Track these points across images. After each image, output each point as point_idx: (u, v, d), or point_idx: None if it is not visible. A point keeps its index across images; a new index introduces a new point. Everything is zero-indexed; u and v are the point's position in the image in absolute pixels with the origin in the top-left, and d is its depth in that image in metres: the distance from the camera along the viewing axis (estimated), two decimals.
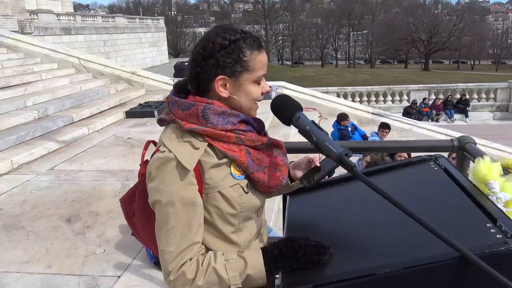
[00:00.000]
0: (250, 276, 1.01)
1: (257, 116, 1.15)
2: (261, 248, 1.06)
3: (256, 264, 1.02)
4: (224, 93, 1.06)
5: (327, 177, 1.18)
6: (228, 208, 1.06)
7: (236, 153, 1.05)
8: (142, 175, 1.17)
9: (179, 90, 1.11)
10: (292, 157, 1.32)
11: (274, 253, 1.03)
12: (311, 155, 1.27)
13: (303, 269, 1.00)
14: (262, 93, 1.12)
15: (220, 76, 1.04)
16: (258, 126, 1.15)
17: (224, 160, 1.06)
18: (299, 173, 1.26)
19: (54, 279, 2.68)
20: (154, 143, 1.17)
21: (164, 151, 1.02)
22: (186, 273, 0.98)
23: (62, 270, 2.78)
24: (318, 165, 1.17)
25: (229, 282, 0.99)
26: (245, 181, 1.09)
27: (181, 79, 1.14)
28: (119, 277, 2.70)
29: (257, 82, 1.09)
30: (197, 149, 1.03)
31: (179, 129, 1.05)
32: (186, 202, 1.00)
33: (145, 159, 1.16)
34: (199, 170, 1.03)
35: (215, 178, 1.04)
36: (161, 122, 1.11)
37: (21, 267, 2.81)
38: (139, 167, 1.20)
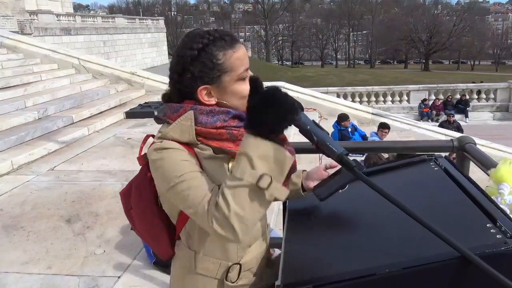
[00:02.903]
0: (262, 157, 0.88)
1: None
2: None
3: (248, 142, 0.89)
4: (211, 101, 1.04)
5: (340, 190, 1.17)
6: None
7: (232, 148, 1.03)
8: (141, 169, 1.17)
9: (168, 101, 1.09)
10: None
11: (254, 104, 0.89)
12: (327, 164, 1.25)
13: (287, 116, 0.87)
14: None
15: (201, 87, 1.02)
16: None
17: (221, 155, 1.04)
18: (312, 184, 1.24)
19: (54, 279, 2.68)
20: (153, 137, 1.17)
21: (159, 137, 1.03)
22: (219, 202, 0.90)
23: (62, 270, 2.78)
24: (331, 175, 1.16)
25: (251, 181, 0.87)
26: None
27: (167, 89, 1.13)
28: (119, 277, 2.70)
29: (242, 78, 1.04)
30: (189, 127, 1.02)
31: None
32: (194, 170, 0.99)
33: (142, 153, 1.16)
34: (198, 159, 1.02)
35: (211, 172, 1.02)
36: (157, 120, 1.14)
37: (21, 268, 2.81)
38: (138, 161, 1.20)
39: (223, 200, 0.89)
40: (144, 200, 1.13)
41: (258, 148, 0.88)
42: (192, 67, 1.00)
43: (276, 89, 0.88)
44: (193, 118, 1.01)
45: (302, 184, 1.28)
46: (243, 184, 0.88)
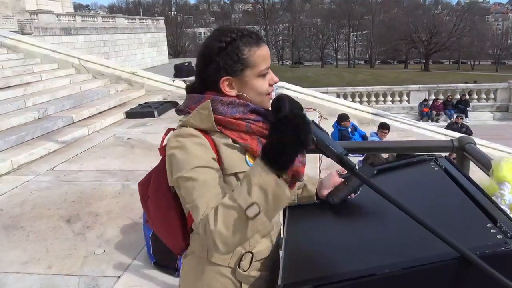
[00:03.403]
0: (261, 187, 0.88)
1: None
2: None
3: (256, 170, 0.90)
4: (232, 92, 1.09)
5: (353, 195, 1.20)
6: None
7: (247, 141, 1.07)
8: (161, 159, 1.19)
9: (193, 91, 1.14)
10: None
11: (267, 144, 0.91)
12: (339, 170, 1.24)
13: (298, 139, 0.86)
14: (270, 85, 1.13)
15: (224, 77, 1.07)
16: (271, 117, 1.12)
17: (238, 145, 1.08)
18: (326, 192, 1.28)
19: (54, 279, 2.68)
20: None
21: (179, 128, 1.08)
22: (209, 216, 0.93)
23: (62, 270, 2.78)
24: (344, 181, 1.19)
25: (242, 206, 0.89)
26: None
27: (187, 78, 1.17)
28: (119, 277, 2.70)
29: (262, 75, 1.10)
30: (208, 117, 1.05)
31: None
32: (208, 165, 1.02)
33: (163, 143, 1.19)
34: (215, 148, 1.05)
35: (229, 159, 1.06)
36: (178, 112, 1.16)
37: (21, 268, 2.81)
38: (158, 151, 1.22)
39: (214, 215, 0.93)
40: (161, 190, 1.17)
41: (260, 177, 0.89)
42: (218, 58, 1.06)
43: (294, 120, 0.88)
44: (210, 107, 1.06)
45: (316, 192, 1.30)
46: (234, 206, 0.90)
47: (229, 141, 1.07)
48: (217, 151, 1.06)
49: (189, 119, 1.07)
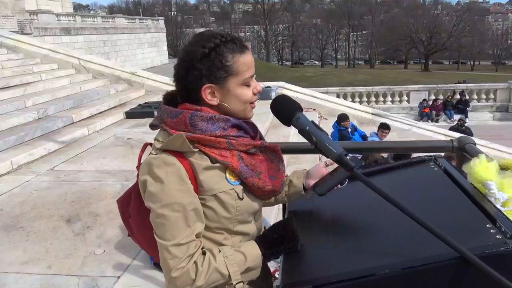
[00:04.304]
0: (249, 269, 1.03)
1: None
2: (258, 237, 1.09)
3: (254, 256, 1.04)
4: (213, 101, 1.05)
5: (339, 185, 1.19)
6: (223, 212, 1.05)
7: (228, 158, 1.04)
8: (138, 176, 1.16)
9: (169, 102, 1.09)
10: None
11: (273, 238, 1.06)
12: (327, 161, 1.25)
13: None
14: (254, 94, 1.10)
15: (206, 85, 1.03)
16: (252, 130, 1.12)
17: (218, 164, 1.05)
18: (312, 182, 1.25)
19: (54, 279, 2.68)
20: (152, 146, 1.16)
21: (156, 153, 1.02)
22: (190, 272, 0.98)
23: (62, 270, 2.78)
24: (331, 172, 1.19)
25: (230, 278, 1.00)
26: (240, 187, 1.07)
27: (169, 90, 1.13)
28: (119, 277, 2.70)
29: (246, 84, 1.06)
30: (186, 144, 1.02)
31: (168, 136, 1.04)
32: (182, 202, 0.99)
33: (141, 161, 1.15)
34: (192, 172, 1.02)
35: (208, 181, 1.03)
36: (152, 127, 1.12)
37: (20, 268, 2.81)
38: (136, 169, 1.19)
39: (200, 267, 0.98)
40: (145, 209, 1.11)
41: (254, 261, 1.04)
42: (200, 65, 1.02)
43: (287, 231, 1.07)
44: (189, 126, 1.02)
45: (303, 184, 1.28)
46: (223, 272, 1.00)
47: (208, 163, 1.03)
48: (195, 176, 1.02)
49: (167, 144, 1.01)
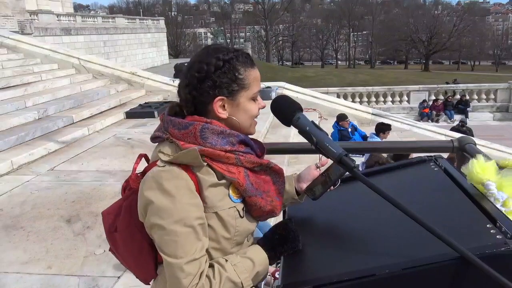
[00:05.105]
0: (258, 273, 1.05)
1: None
2: (260, 239, 1.10)
3: (262, 260, 1.06)
4: (223, 114, 1.04)
5: (332, 187, 1.19)
6: (223, 231, 1.04)
7: (234, 174, 1.03)
8: (130, 189, 1.12)
9: (175, 114, 1.07)
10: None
11: (275, 239, 1.09)
12: (317, 163, 1.26)
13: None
14: (258, 109, 1.10)
15: (219, 97, 1.03)
16: (258, 148, 1.12)
17: (223, 181, 1.04)
18: (304, 185, 1.24)
19: (54, 279, 2.68)
20: (147, 158, 1.13)
21: (164, 165, 1.00)
22: (205, 287, 0.97)
23: (62, 270, 2.78)
24: (322, 173, 1.18)
25: (243, 285, 1.01)
26: (241, 205, 1.07)
27: (174, 102, 1.11)
28: (119, 277, 2.70)
29: (254, 99, 1.08)
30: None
31: (177, 149, 1.01)
32: (193, 216, 0.98)
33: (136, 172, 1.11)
34: (198, 187, 1.00)
35: (212, 198, 1.02)
36: (155, 139, 1.08)
37: (21, 268, 2.81)
38: (128, 178, 1.14)
39: (213, 280, 0.98)
40: (135, 223, 1.08)
41: (262, 265, 1.06)
42: (214, 76, 1.01)
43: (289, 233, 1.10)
44: (199, 140, 1.01)
45: (296, 189, 1.27)
46: (235, 281, 1.00)
47: (214, 179, 1.02)
48: (199, 191, 1.00)
49: (177, 157, 0.99)
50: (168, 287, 1.00)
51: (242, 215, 1.07)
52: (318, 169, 1.25)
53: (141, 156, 1.14)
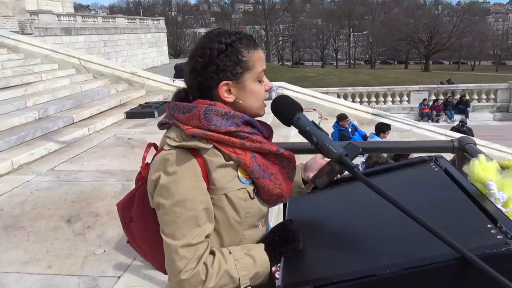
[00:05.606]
0: (257, 273, 1.03)
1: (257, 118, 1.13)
2: (261, 241, 1.10)
3: (263, 261, 1.05)
4: (230, 98, 1.04)
5: (338, 175, 1.18)
6: (233, 213, 1.04)
7: (241, 155, 1.03)
8: (142, 179, 1.14)
9: (180, 100, 1.08)
10: None
11: (275, 240, 1.08)
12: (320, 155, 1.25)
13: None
14: (265, 90, 1.10)
15: (224, 82, 1.03)
16: (265, 131, 1.11)
17: (231, 162, 1.04)
18: (311, 174, 1.24)
19: (54, 279, 2.68)
20: (155, 146, 1.14)
21: (170, 149, 1.01)
22: (200, 273, 0.97)
23: (62, 270, 2.78)
24: (328, 162, 1.17)
25: (240, 282, 1.00)
26: (251, 187, 1.06)
27: (181, 87, 1.12)
28: (119, 277, 2.70)
29: (259, 79, 1.07)
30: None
31: (182, 133, 1.02)
32: (195, 200, 0.98)
33: (146, 161, 1.13)
34: (206, 169, 1.01)
35: (221, 180, 1.02)
36: (162, 126, 1.09)
37: (21, 268, 2.81)
38: (140, 170, 1.17)
39: (211, 269, 0.98)
40: (148, 212, 1.09)
41: (262, 266, 1.04)
42: (218, 60, 1.02)
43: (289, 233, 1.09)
44: (204, 121, 1.00)
45: (302, 178, 1.28)
46: (233, 276, 0.99)
47: (221, 160, 1.02)
48: (207, 174, 1.01)
49: (185, 142, 1.00)
50: (166, 267, 1.01)
51: (253, 196, 1.06)
52: (324, 159, 1.24)
53: (150, 145, 1.16)
